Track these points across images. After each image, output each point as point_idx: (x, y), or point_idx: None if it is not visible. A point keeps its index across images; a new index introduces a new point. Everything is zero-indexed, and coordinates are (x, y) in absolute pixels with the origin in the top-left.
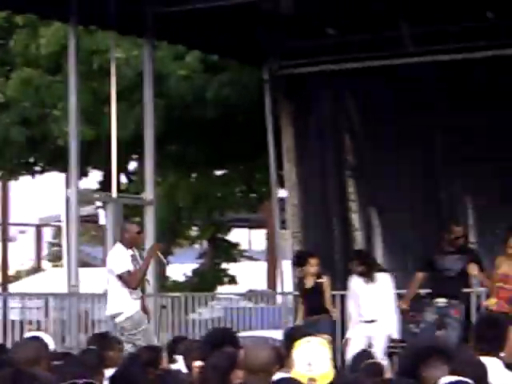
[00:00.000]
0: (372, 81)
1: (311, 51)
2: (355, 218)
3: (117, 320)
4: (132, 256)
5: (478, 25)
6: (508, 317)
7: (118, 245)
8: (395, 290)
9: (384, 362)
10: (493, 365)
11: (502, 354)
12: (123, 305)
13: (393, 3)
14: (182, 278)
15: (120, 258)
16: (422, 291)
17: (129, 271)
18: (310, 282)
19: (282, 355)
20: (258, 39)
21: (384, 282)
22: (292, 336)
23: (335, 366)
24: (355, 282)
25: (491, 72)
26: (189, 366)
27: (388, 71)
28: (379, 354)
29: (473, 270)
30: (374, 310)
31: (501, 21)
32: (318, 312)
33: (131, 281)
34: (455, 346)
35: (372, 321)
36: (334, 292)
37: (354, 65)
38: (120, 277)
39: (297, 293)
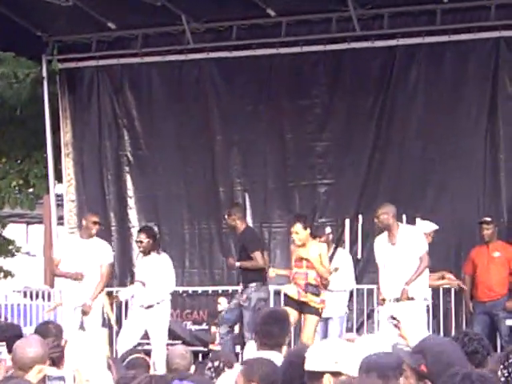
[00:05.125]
0: (152, 76)
1: (91, 45)
2: (132, 215)
3: None
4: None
5: (260, 22)
6: (307, 305)
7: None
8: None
9: None
10: (275, 359)
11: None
12: None
13: None
14: None
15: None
16: None
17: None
18: None
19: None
20: (36, 32)
21: None
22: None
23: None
24: None
25: (278, 69)
26: None
27: (168, 66)
28: None
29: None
30: None
31: (282, 18)
32: None
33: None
34: None
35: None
36: (110, 288)
37: (134, 60)
38: None
39: None
